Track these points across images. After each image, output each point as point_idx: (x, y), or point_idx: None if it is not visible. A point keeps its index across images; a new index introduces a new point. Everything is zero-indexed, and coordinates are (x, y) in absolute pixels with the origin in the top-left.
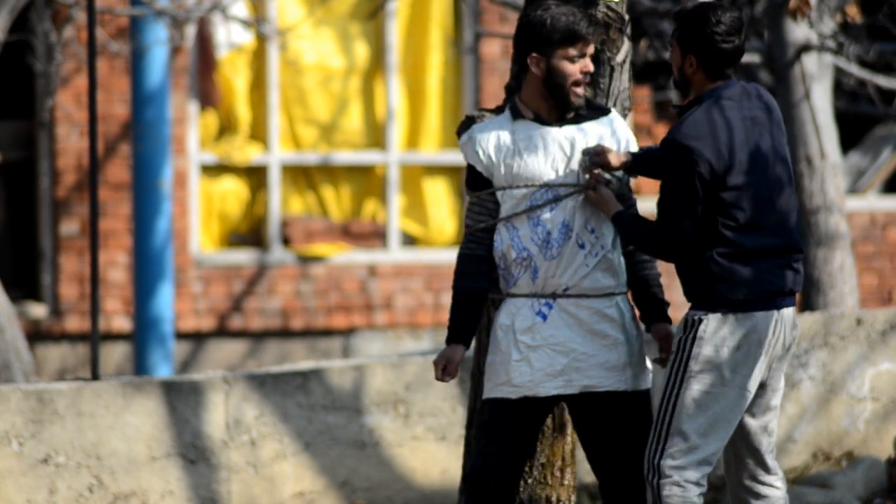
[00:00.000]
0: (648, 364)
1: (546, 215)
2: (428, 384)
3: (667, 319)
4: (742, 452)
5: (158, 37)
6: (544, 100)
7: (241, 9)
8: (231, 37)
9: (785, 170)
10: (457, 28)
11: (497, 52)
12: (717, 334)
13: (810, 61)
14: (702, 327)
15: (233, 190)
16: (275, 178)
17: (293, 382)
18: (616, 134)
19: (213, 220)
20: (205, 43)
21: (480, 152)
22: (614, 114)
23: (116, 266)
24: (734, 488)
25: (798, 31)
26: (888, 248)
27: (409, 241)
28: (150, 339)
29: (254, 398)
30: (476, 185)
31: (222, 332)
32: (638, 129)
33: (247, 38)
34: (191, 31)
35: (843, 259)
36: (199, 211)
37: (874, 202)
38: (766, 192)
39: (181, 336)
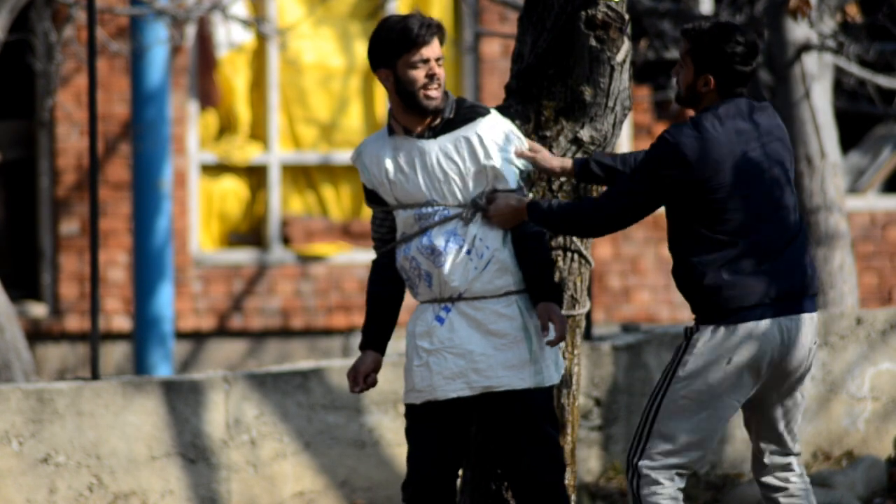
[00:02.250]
0: (559, 360)
1: (433, 230)
2: None
3: (552, 299)
4: (755, 446)
5: (158, 36)
6: (406, 113)
7: (241, 8)
8: (231, 36)
9: (779, 175)
10: (457, 27)
11: (497, 52)
12: (707, 345)
13: (810, 61)
14: (694, 337)
15: (233, 189)
16: (275, 177)
17: (293, 382)
18: (494, 135)
19: (213, 219)
20: (205, 42)
21: (366, 171)
22: (493, 115)
23: (116, 265)
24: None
25: (798, 31)
26: (888, 248)
27: None
28: (150, 339)
29: (254, 398)
30: (370, 200)
31: (222, 331)
32: (638, 129)
33: (247, 37)
34: (191, 30)
35: (843, 258)
36: (199, 210)
37: (874, 202)
38: (756, 199)
39: (181, 336)
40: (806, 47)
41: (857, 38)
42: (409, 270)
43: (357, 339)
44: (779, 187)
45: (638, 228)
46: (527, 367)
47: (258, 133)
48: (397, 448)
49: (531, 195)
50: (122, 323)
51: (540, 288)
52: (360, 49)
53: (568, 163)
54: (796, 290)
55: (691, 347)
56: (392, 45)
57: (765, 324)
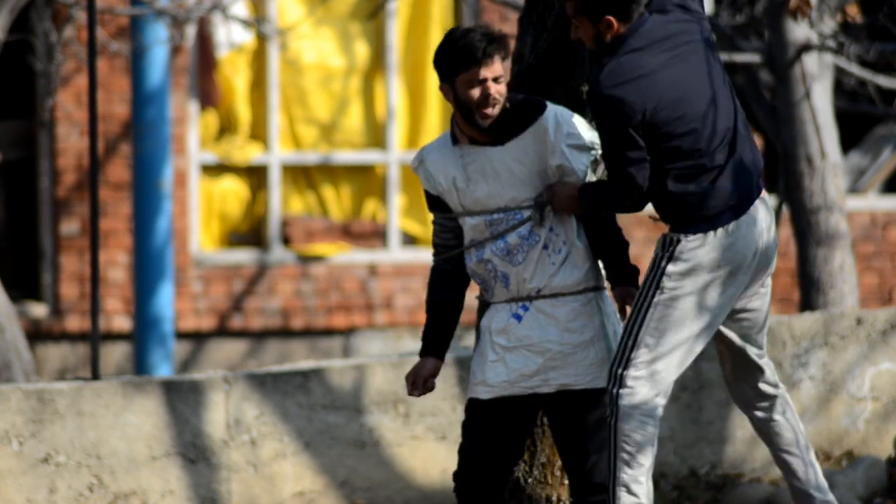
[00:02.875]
0: None
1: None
2: None
3: (629, 282)
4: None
5: (158, 36)
6: (469, 125)
7: (241, 8)
8: (231, 36)
9: (713, 85)
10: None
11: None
12: (693, 252)
13: (811, 61)
14: (679, 247)
15: (233, 189)
16: (275, 177)
17: (293, 382)
18: (560, 128)
19: (213, 219)
20: (205, 42)
21: (431, 179)
22: (549, 108)
23: (117, 266)
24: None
25: (798, 31)
26: (888, 248)
27: (410, 240)
28: (150, 339)
29: (254, 398)
30: (434, 206)
31: (222, 331)
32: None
33: (247, 37)
34: (191, 30)
35: (844, 259)
36: (200, 210)
37: (874, 202)
38: (702, 116)
39: (181, 336)
40: (806, 47)
41: (857, 38)
42: (484, 273)
43: (357, 339)
44: (703, 95)
45: (638, 228)
46: (604, 366)
47: (258, 133)
48: (397, 448)
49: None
50: (122, 323)
51: (617, 270)
52: (361, 49)
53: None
54: (750, 190)
55: (676, 258)
56: (451, 62)
57: (733, 225)
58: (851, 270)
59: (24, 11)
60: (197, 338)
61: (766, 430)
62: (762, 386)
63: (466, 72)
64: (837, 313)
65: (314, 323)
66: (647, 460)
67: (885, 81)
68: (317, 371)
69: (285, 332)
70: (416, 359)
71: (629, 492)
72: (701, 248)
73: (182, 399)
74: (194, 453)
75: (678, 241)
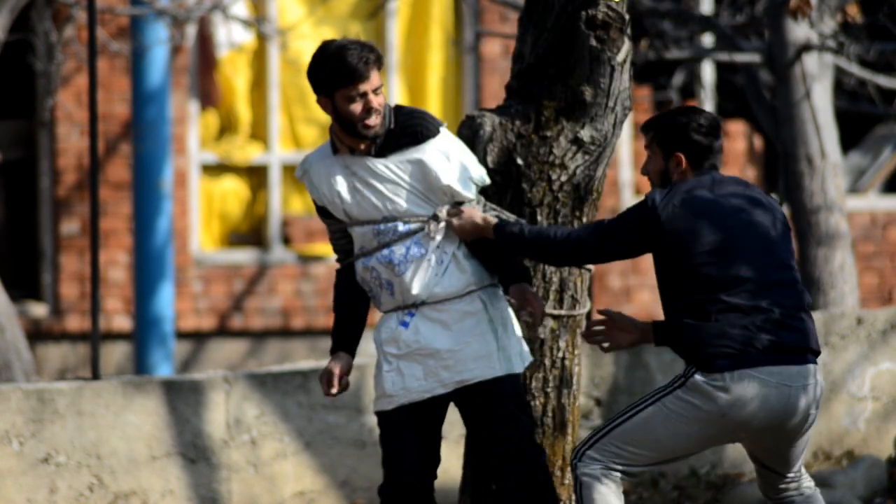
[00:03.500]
0: (524, 350)
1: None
2: None
3: (522, 279)
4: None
5: (159, 36)
6: (349, 136)
7: (241, 8)
8: (231, 36)
9: (771, 231)
10: (457, 27)
11: (497, 52)
12: (704, 387)
13: (811, 61)
14: (695, 378)
15: (233, 189)
16: (275, 177)
17: (294, 382)
18: (444, 160)
19: (213, 219)
20: (205, 42)
21: (315, 189)
22: (442, 135)
23: (117, 265)
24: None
25: (798, 31)
26: (889, 248)
27: None
28: (150, 339)
29: (254, 397)
30: (322, 214)
31: (223, 331)
32: (638, 129)
33: (247, 37)
34: (191, 30)
35: (844, 258)
36: (200, 210)
37: (875, 202)
38: (746, 251)
39: (182, 335)
40: (806, 47)
41: (857, 38)
42: (370, 281)
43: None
44: (766, 248)
45: None
46: (494, 356)
47: (259, 133)
48: None
49: (493, 211)
50: (122, 323)
51: (508, 272)
52: None
53: (490, 221)
54: (797, 343)
55: (688, 387)
56: (330, 78)
57: (762, 381)
58: (851, 270)
59: (24, 11)
60: (197, 338)
61: None
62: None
63: (346, 88)
64: (838, 313)
65: (314, 323)
66: None
67: (885, 81)
68: (317, 371)
69: (285, 332)
70: None
71: None
72: (711, 386)
73: (182, 399)
74: (194, 453)
75: (694, 373)
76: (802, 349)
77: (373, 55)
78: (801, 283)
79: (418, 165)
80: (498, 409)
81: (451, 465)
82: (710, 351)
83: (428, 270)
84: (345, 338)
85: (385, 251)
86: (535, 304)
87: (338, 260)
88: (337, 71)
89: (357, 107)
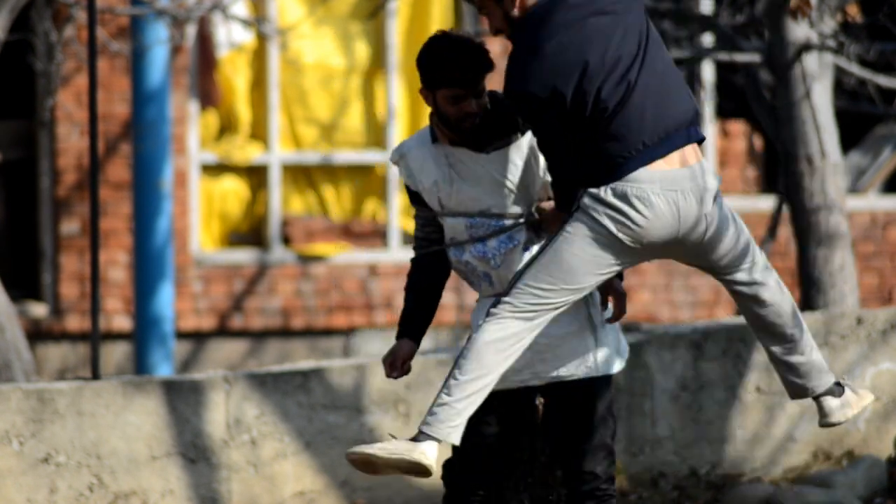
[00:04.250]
0: (622, 347)
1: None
2: (428, 383)
3: (617, 276)
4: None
5: (159, 36)
6: (449, 129)
7: (241, 8)
8: (231, 36)
9: (609, 45)
10: (457, 27)
11: (497, 52)
12: (590, 206)
13: (811, 61)
14: (583, 199)
15: (233, 189)
16: (275, 177)
17: (294, 382)
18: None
19: (213, 219)
20: (205, 42)
21: (412, 175)
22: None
23: (117, 265)
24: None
25: (798, 31)
26: (889, 248)
27: (410, 240)
28: (150, 339)
29: (254, 397)
30: (415, 201)
31: (223, 331)
32: None
33: (247, 37)
34: (191, 30)
35: (844, 258)
36: (200, 210)
37: (875, 201)
38: (605, 80)
39: (182, 335)
40: (806, 47)
41: (857, 37)
42: (466, 272)
43: (358, 339)
44: (615, 57)
45: None
46: (591, 355)
47: (259, 133)
48: None
49: None
50: (122, 323)
51: None
52: (361, 49)
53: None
54: (671, 126)
55: (580, 208)
56: (436, 75)
57: (642, 189)
58: (851, 270)
59: (24, 11)
60: (197, 338)
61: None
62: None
63: (450, 88)
64: (838, 313)
65: (314, 323)
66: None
67: (885, 81)
68: (317, 371)
69: (285, 332)
70: (417, 358)
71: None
72: (604, 197)
73: (182, 399)
74: (194, 453)
75: (583, 194)
76: (684, 137)
77: (486, 62)
78: (646, 46)
79: (518, 161)
80: (588, 410)
81: None
82: (591, 168)
83: (523, 260)
84: (412, 324)
85: (479, 246)
86: (617, 303)
87: (415, 248)
88: (446, 70)
89: (457, 109)
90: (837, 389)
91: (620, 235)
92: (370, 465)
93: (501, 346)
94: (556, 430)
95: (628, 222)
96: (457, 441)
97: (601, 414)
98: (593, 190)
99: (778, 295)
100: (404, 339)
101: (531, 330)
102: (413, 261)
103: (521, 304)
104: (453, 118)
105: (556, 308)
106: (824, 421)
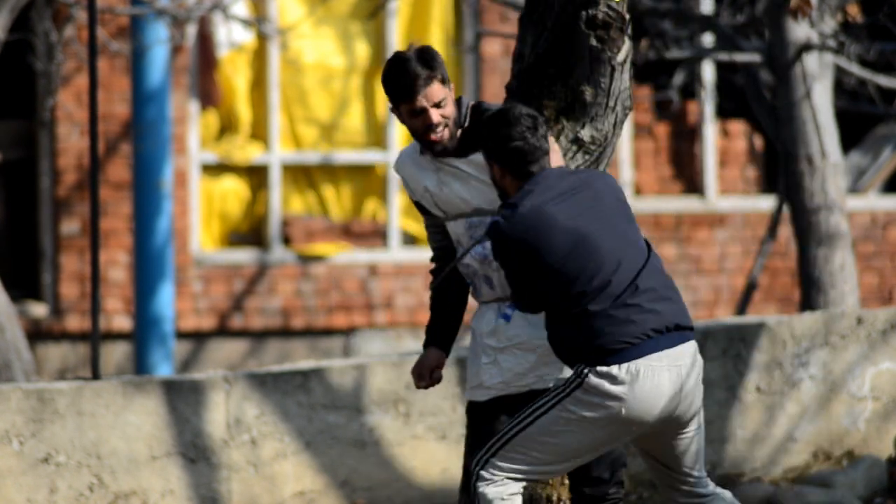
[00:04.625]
0: None
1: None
2: None
3: None
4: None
5: (159, 36)
6: (420, 142)
7: (241, 8)
8: (232, 36)
9: (603, 218)
10: (457, 27)
11: (498, 52)
12: (600, 385)
13: (811, 61)
14: (590, 377)
15: (233, 189)
16: (275, 177)
17: (294, 382)
18: None
19: (213, 219)
20: (205, 42)
21: (407, 186)
22: None
23: (117, 265)
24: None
25: (799, 31)
26: (889, 248)
27: (410, 240)
28: (150, 339)
29: (254, 397)
30: (420, 209)
31: (223, 331)
32: (639, 129)
33: (247, 37)
34: (191, 30)
35: (844, 258)
36: (200, 210)
37: (875, 201)
38: (599, 249)
39: (182, 335)
40: (807, 47)
41: (857, 37)
42: (469, 275)
43: (358, 339)
44: (607, 229)
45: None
46: None
47: (259, 133)
48: (398, 448)
49: None
50: (122, 323)
51: None
52: (361, 49)
53: None
54: (676, 322)
55: (584, 388)
56: (392, 92)
57: (653, 368)
58: (852, 270)
59: (24, 11)
60: (197, 337)
61: None
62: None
63: (405, 103)
64: (838, 313)
65: (314, 323)
66: None
67: (885, 81)
68: (317, 371)
69: (285, 332)
70: (416, 357)
71: None
72: (605, 382)
73: (182, 399)
74: (195, 453)
75: (587, 373)
76: (681, 327)
77: (427, 71)
78: (649, 249)
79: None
80: None
81: (451, 464)
82: (598, 346)
83: None
84: (438, 334)
85: (479, 248)
86: None
87: (433, 259)
88: (396, 85)
89: (417, 122)
90: None
91: (631, 414)
92: None
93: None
94: None
95: (639, 399)
96: None
97: None
98: (603, 368)
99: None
100: (431, 348)
101: (522, 488)
102: (432, 282)
103: (511, 469)
104: (419, 131)
105: (548, 475)
106: None
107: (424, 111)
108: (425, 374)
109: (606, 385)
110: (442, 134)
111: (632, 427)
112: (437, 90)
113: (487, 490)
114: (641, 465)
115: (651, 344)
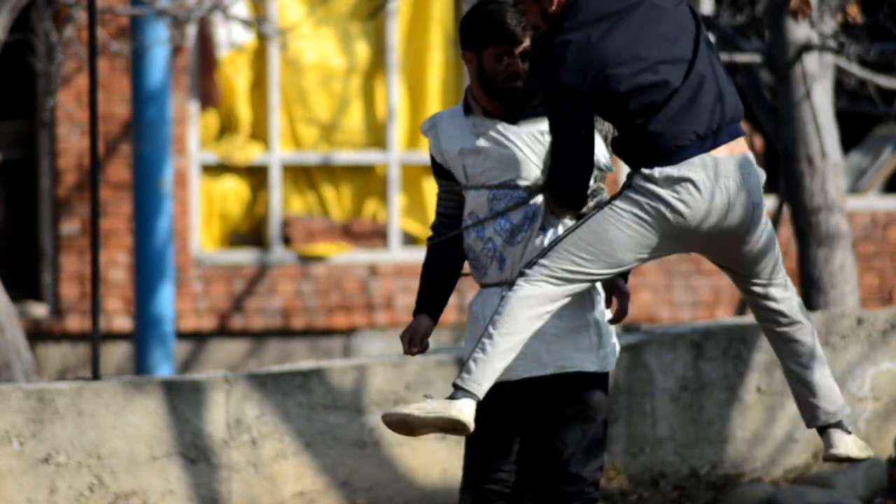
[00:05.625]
0: (616, 348)
1: (512, 213)
2: (428, 383)
3: (621, 275)
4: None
5: (159, 36)
6: (487, 97)
7: (241, 8)
8: (232, 36)
9: (660, 33)
10: (457, 27)
11: None
12: (646, 184)
13: (811, 61)
14: (636, 178)
15: (233, 189)
16: (275, 177)
17: (294, 382)
18: None
19: (213, 219)
20: (205, 42)
21: (439, 144)
22: None
23: (117, 265)
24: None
25: (799, 31)
26: (889, 248)
27: (410, 240)
28: (150, 339)
29: (254, 398)
30: (438, 173)
31: (223, 331)
32: None
33: (247, 37)
34: (191, 30)
35: (844, 259)
36: (200, 210)
37: (875, 202)
38: (651, 69)
39: (182, 336)
40: (807, 47)
41: (857, 38)
42: (480, 251)
43: (358, 339)
44: (664, 43)
45: None
46: (596, 350)
47: (259, 133)
48: (398, 448)
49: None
50: (122, 323)
51: None
52: (361, 49)
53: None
54: (713, 125)
55: (633, 185)
56: (483, 34)
57: (700, 175)
58: (852, 270)
59: (24, 11)
60: (197, 338)
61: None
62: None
63: (497, 47)
64: (838, 313)
65: (314, 323)
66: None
67: (885, 81)
68: (317, 371)
69: (286, 332)
70: (417, 358)
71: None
72: (659, 178)
73: (182, 399)
74: (195, 453)
75: (636, 174)
76: (734, 123)
77: (524, 23)
78: (685, 49)
79: (545, 137)
80: (584, 407)
81: (451, 464)
82: (651, 149)
83: (543, 243)
84: (430, 301)
85: (505, 222)
86: (622, 305)
87: (433, 226)
88: (493, 29)
89: (504, 67)
90: (846, 429)
91: (670, 217)
92: (407, 425)
93: (533, 302)
94: (552, 424)
95: (680, 205)
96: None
97: (594, 415)
98: (646, 170)
99: (800, 314)
100: (422, 315)
101: (559, 298)
102: (432, 243)
103: (557, 269)
104: (500, 77)
105: (589, 280)
106: (830, 452)
107: (514, 57)
108: (416, 340)
109: (650, 187)
110: (520, 85)
111: (677, 235)
112: (527, 42)
113: (524, 285)
114: (641, 466)
115: (693, 148)
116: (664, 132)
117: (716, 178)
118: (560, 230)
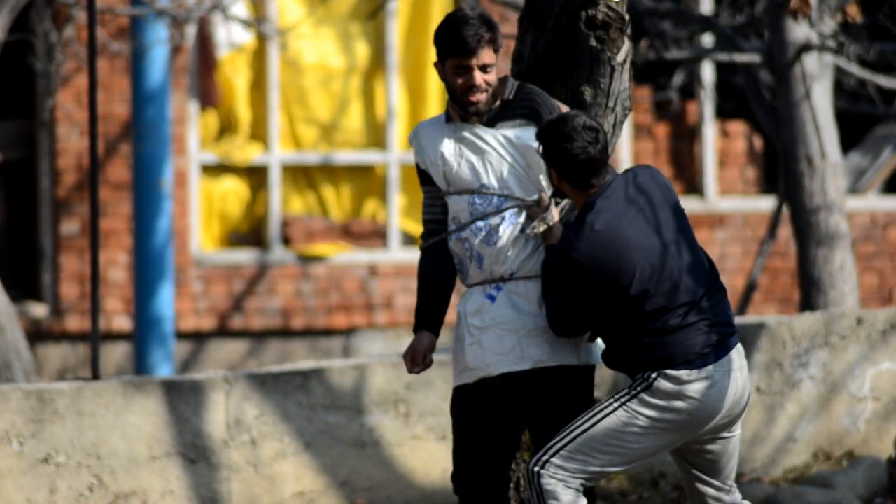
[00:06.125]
0: (600, 341)
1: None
2: (428, 384)
3: None
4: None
5: (159, 36)
6: (456, 102)
7: (241, 8)
8: (231, 36)
9: (672, 234)
10: None
11: None
12: (669, 388)
13: (811, 61)
14: (658, 381)
15: (233, 189)
16: (275, 177)
17: (294, 382)
18: None
19: (213, 219)
20: (205, 42)
21: (421, 151)
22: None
23: (117, 266)
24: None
25: (798, 31)
26: (888, 248)
27: (410, 240)
28: (150, 339)
29: (254, 398)
30: (423, 180)
31: (223, 331)
32: (638, 130)
33: (247, 37)
34: (191, 30)
35: (844, 259)
36: (200, 210)
37: (874, 202)
38: (661, 269)
39: (182, 336)
40: (806, 47)
41: (857, 38)
42: (461, 253)
43: (358, 339)
44: (674, 246)
45: None
46: (576, 344)
47: (258, 133)
48: (398, 448)
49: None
50: (122, 323)
51: None
52: (361, 49)
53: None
54: (728, 328)
55: (651, 390)
56: (443, 45)
57: (716, 375)
58: (851, 270)
59: (24, 11)
60: (197, 338)
61: None
62: None
63: (454, 58)
64: (838, 313)
65: (314, 323)
66: None
67: (885, 81)
68: (317, 371)
69: (285, 332)
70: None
71: None
72: (675, 388)
73: (182, 399)
74: (194, 453)
75: (655, 378)
76: (731, 332)
77: (488, 34)
78: (701, 254)
79: (525, 146)
80: (568, 396)
81: (451, 464)
82: (669, 356)
83: (521, 242)
84: (428, 316)
85: (480, 223)
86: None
87: (423, 235)
88: (450, 40)
89: (461, 79)
90: None
91: (695, 418)
92: None
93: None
94: (540, 417)
95: (705, 402)
96: None
97: (577, 408)
98: (673, 372)
99: None
100: (422, 332)
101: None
102: (423, 249)
103: (574, 469)
104: (459, 90)
105: (606, 476)
106: None
107: (471, 70)
108: (419, 360)
109: (672, 387)
110: (479, 97)
111: (694, 430)
112: (488, 55)
113: (550, 482)
114: (641, 466)
115: (718, 352)
116: (688, 336)
117: (730, 371)
118: (533, 230)
